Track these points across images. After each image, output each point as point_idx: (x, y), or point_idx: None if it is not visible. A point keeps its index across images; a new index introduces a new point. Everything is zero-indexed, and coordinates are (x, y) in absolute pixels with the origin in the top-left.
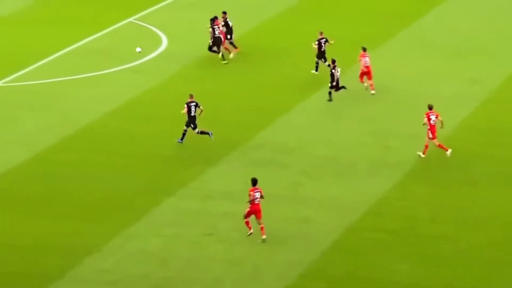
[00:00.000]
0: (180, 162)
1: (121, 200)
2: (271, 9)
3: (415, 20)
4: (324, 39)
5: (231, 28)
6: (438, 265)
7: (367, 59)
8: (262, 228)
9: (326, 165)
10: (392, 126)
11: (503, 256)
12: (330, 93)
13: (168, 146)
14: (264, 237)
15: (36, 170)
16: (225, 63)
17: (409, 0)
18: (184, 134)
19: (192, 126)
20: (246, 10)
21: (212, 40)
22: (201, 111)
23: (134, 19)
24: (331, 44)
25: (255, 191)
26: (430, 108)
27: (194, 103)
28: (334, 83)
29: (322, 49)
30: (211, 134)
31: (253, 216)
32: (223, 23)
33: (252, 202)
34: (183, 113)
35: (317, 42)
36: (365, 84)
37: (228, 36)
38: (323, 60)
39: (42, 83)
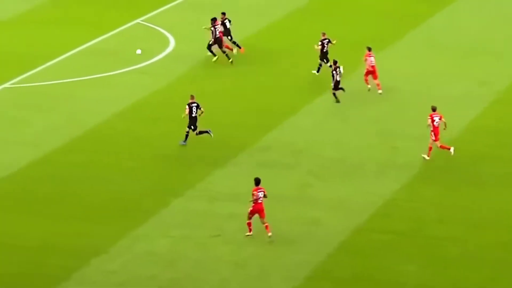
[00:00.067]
0: (188, 164)
1: (128, 201)
2: (280, 10)
3: (424, 20)
4: (327, 40)
5: (229, 29)
6: (446, 267)
7: (372, 58)
8: (266, 226)
9: (334, 166)
10: (400, 127)
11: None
12: (334, 94)
13: (176, 147)
14: (270, 234)
15: (44, 171)
16: (230, 62)
17: (418, 1)
18: (187, 136)
19: (193, 127)
20: (253, 11)
21: (213, 40)
22: (202, 112)
23: (142, 20)
24: (334, 44)
25: (258, 190)
26: (434, 109)
27: (195, 104)
28: (333, 84)
29: (325, 50)
30: (210, 131)
31: (256, 217)
32: (220, 24)
33: (255, 201)
34: (184, 117)
35: (320, 43)
36: (369, 86)
37: (228, 38)
38: (325, 61)
39: (50, 84)
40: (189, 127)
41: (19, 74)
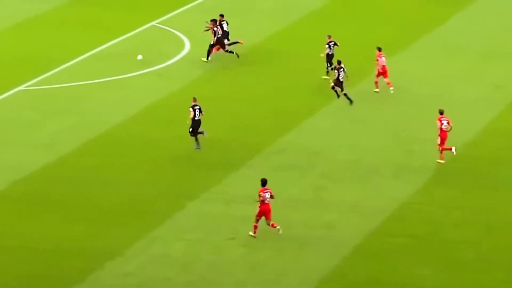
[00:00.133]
0: (203, 166)
1: (143, 204)
2: (296, 13)
3: (440, 23)
4: (333, 42)
5: (226, 31)
6: (461, 270)
7: (383, 59)
8: (273, 224)
9: (349, 169)
10: (416, 130)
11: None
12: (345, 95)
13: (190, 150)
14: (278, 227)
15: (58, 173)
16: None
17: (433, 4)
18: (196, 139)
19: (191, 129)
20: (269, 14)
21: (214, 41)
22: (202, 115)
23: (157, 23)
24: (339, 46)
25: (265, 191)
26: (441, 112)
27: (198, 107)
28: (334, 82)
29: (331, 53)
30: (204, 132)
31: (262, 220)
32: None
33: (261, 202)
34: (188, 122)
35: (326, 46)
36: (377, 90)
37: (225, 40)
38: (329, 64)
39: (64, 86)
40: (192, 132)
41: (34, 76)
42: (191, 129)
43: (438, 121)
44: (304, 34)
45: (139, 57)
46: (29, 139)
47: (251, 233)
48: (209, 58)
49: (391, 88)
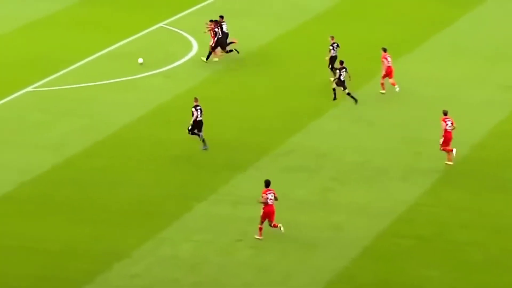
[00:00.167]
0: (210, 168)
1: (151, 205)
2: (303, 14)
3: (448, 25)
4: (336, 44)
5: (226, 32)
6: (469, 272)
7: (389, 59)
8: (275, 225)
9: (357, 171)
10: (423, 132)
11: None
12: (349, 94)
13: (198, 151)
14: (280, 225)
15: (67, 175)
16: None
17: (442, 5)
18: (203, 140)
19: (190, 128)
20: (277, 15)
21: (214, 42)
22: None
23: (165, 24)
24: (339, 48)
25: (268, 192)
26: (445, 113)
27: (200, 107)
28: (336, 80)
29: (334, 54)
30: (204, 141)
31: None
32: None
33: (265, 203)
34: (192, 122)
35: (330, 47)
36: (384, 91)
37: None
38: (330, 65)
39: (72, 88)
40: (199, 132)
41: (42, 77)
42: (190, 128)
43: (443, 122)
44: (312, 35)
45: (140, 60)
46: (37, 141)
47: (256, 236)
48: (210, 58)
49: (397, 86)
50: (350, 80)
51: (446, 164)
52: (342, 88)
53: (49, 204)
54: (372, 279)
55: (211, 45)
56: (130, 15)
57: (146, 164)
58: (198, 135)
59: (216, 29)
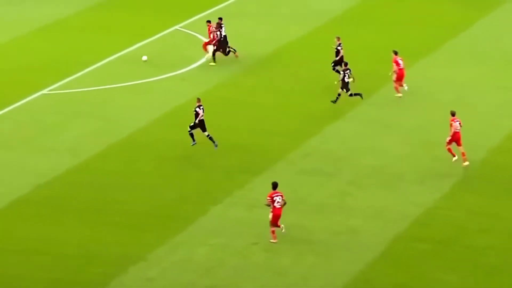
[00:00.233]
0: (226, 171)
1: (166, 209)
2: (318, 18)
3: (465, 29)
4: (341, 45)
5: (224, 34)
6: (487, 276)
7: (401, 62)
8: (278, 225)
9: (374, 174)
10: (441, 135)
11: None
12: (351, 95)
13: (214, 154)
14: (282, 225)
15: (82, 178)
16: (213, 65)
17: (459, 9)
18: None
19: (192, 125)
20: (292, 19)
21: (216, 43)
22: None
23: (180, 27)
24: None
25: (275, 195)
26: (453, 114)
27: (202, 107)
28: (341, 84)
29: (341, 56)
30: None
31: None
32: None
33: (273, 206)
34: (197, 121)
35: (339, 48)
36: (400, 94)
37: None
38: (333, 64)
39: (88, 90)
40: (193, 128)
41: (57, 80)
42: (192, 125)
43: (453, 122)
44: (327, 38)
45: (144, 58)
46: (52, 143)
47: (271, 240)
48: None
49: (405, 85)
50: (353, 82)
51: (464, 166)
52: (345, 91)
53: (65, 207)
54: (389, 283)
55: (213, 48)
56: (146, 17)
57: (161, 167)
58: (214, 143)
59: (218, 32)
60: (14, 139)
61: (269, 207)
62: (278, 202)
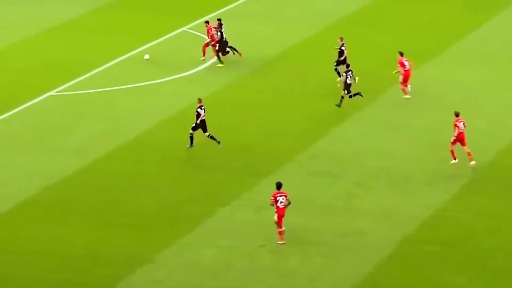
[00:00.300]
0: (234, 173)
1: (173, 210)
2: (325, 19)
3: (472, 31)
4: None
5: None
6: (495, 278)
7: (407, 63)
8: (280, 232)
9: (381, 176)
10: (448, 137)
11: None
12: (351, 97)
13: (221, 156)
14: (283, 242)
15: (88, 179)
16: (221, 66)
17: (466, 11)
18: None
19: (202, 129)
20: (299, 20)
21: (218, 44)
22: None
23: (188, 28)
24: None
25: (278, 195)
26: (457, 115)
27: (204, 108)
28: (343, 87)
29: (344, 56)
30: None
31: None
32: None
33: (276, 206)
34: (199, 122)
35: (343, 48)
36: (407, 96)
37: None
38: (335, 63)
39: (95, 92)
40: (195, 130)
41: (65, 81)
42: (194, 126)
43: (457, 122)
44: (335, 40)
45: (146, 56)
46: (60, 145)
47: (279, 241)
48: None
49: (408, 86)
50: (356, 83)
51: (471, 166)
52: (346, 92)
53: (72, 208)
54: (397, 285)
55: (215, 49)
56: (153, 19)
57: (168, 168)
58: (217, 141)
59: (219, 33)
60: (22, 141)
61: (273, 207)
62: (281, 202)
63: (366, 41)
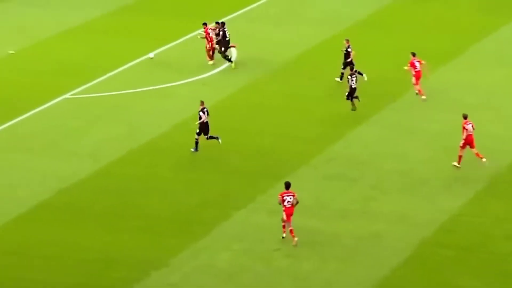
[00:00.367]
0: (249, 176)
1: (189, 214)
2: (342, 22)
3: (489, 33)
4: (349, 47)
5: (217, 40)
6: (511, 283)
7: (418, 64)
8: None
9: (398, 179)
10: None
11: None
12: (351, 100)
13: (237, 159)
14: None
15: (103, 183)
16: (233, 67)
17: (483, 13)
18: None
19: (203, 133)
20: (315, 23)
21: (220, 44)
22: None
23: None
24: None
25: (286, 194)
26: (465, 117)
27: (206, 110)
28: (348, 90)
29: (350, 58)
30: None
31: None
32: (212, 32)
33: (283, 205)
34: (197, 124)
35: (350, 50)
36: (424, 97)
37: (222, 48)
38: (342, 67)
39: (109, 95)
40: (199, 134)
41: (80, 84)
42: (198, 131)
43: (466, 125)
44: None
45: (151, 55)
46: (74, 148)
47: (294, 241)
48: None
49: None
50: (365, 80)
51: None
52: (348, 93)
53: (86, 212)
54: None
55: (222, 51)
56: (168, 22)
57: (182, 172)
58: (215, 138)
59: (221, 33)
60: (36, 143)
61: (280, 205)
62: (288, 201)
63: (383, 44)
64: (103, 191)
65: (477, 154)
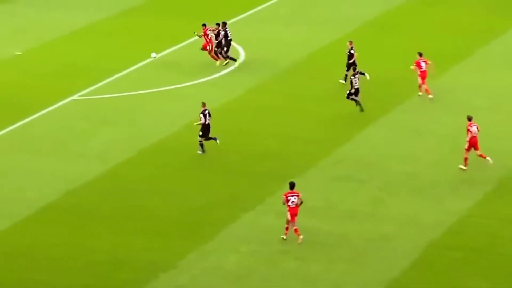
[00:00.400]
0: (257, 178)
1: (196, 215)
2: (350, 23)
3: (498, 35)
4: (352, 49)
5: (221, 41)
6: None
7: (423, 64)
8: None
9: (406, 181)
10: None
11: None
12: (356, 102)
13: (245, 161)
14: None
15: (112, 184)
16: (237, 67)
17: (492, 15)
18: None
19: (201, 134)
20: (323, 24)
21: (224, 46)
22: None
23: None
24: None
25: (290, 195)
26: (470, 119)
27: (208, 112)
28: (353, 90)
29: (353, 60)
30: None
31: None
32: (211, 33)
33: (287, 205)
34: (197, 125)
35: (353, 52)
36: (431, 96)
37: (224, 49)
38: (346, 69)
39: (118, 96)
40: (202, 136)
41: (87, 86)
42: (201, 134)
43: (470, 127)
44: (359, 44)
45: (153, 54)
46: (82, 149)
47: (300, 239)
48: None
49: (421, 93)
50: (368, 79)
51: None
52: (352, 94)
53: (94, 213)
54: None
55: (224, 51)
56: (176, 23)
57: (190, 173)
58: (215, 139)
59: (223, 33)
60: (44, 145)
61: (284, 205)
62: (292, 201)
63: (391, 45)
64: (111, 192)
65: (481, 155)
